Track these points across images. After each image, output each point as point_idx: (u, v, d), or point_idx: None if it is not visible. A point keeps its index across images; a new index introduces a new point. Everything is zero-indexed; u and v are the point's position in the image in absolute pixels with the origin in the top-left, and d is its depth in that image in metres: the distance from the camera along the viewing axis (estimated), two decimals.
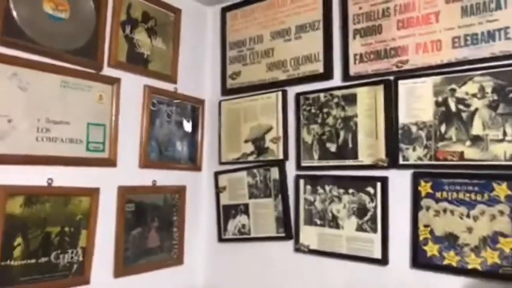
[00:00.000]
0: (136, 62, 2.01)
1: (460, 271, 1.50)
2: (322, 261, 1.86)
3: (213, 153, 2.32)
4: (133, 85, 1.99)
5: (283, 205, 2.00)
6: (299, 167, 1.96)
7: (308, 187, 1.92)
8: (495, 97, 1.47)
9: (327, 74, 1.90)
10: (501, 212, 1.44)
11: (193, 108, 2.29)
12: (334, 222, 1.83)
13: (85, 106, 1.78)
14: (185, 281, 2.20)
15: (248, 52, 2.21)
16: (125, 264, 1.92)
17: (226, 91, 2.30)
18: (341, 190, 1.82)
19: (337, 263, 1.81)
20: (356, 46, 1.82)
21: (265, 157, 2.09)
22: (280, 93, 2.06)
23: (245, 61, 2.22)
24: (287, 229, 1.98)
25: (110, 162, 1.86)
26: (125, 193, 1.92)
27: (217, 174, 2.29)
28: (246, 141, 2.17)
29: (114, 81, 1.88)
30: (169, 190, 2.14)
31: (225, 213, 2.23)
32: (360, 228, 1.75)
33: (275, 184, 2.03)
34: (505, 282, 1.41)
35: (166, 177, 2.12)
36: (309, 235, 1.90)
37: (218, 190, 2.27)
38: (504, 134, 1.44)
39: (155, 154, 2.08)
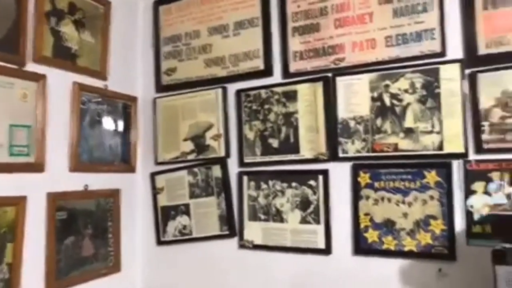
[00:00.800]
0: (63, 57, 1.85)
1: (398, 253, 1.61)
2: (267, 256, 1.88)
3: (148, 153, 2.22)
4: (60, 82, 1.83)
5: (226, 202, 1.98)
6: (241, 163, 1.96)
7: (252, 183, 1.93)
8: (424, 93, 1.61)
9: (268, 71, 1.92)
10: (432, 197, 1.58)
11: (125, 106, 2.17)
12: (278, 216, 1.86)
13: (6, 106, 1.59)
14: None
15: (184, 47, 2.15)
16: (58, 277, 1.76)
17: (161, 87, 2.21)
18: (284, 185, 1.85)
19: (282, 256, 1.85)
20: (295, 43, 1.86)
21: (206, 155, 2.05)
22: (220, 90, 2.03)
23: (181, 57, 2.16)
24: (231, 227, 1.97)
25: (37, 166, 1.69)
26: (55, 200, 1.76)
27: (153, 174, 2.20)
28: (185, 140, 2.12)
29: (39, 78, 1.71)
30: (103, 194, 2.01)
31: (163, 215, 2.15)
32: (304, 221, 1.80)
33: (217, 182, 2.01)
34: (437, 260, 1.55)
35: (99, 181, 1.98)
36: (254, 230, 1.91)
37: (155, 192, 2.18)
38: (432, 126, 1.58)
39: (86, 156, 1.94)
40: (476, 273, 1.47)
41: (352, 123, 1.73)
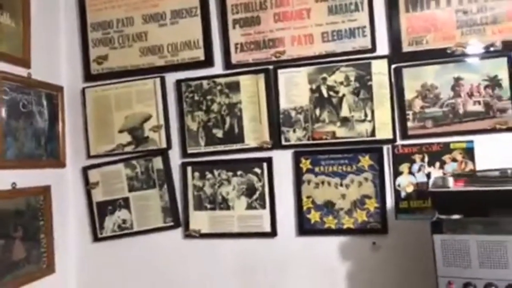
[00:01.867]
0: None
1: (338, 231, 1.78)
2: (214, 243, 1.93)
3: (78, 147, 2.10)
4: None
5: (169, 194, 1.97)
6: (185, 154, 1.96)
7: (196, 173, 1.95)
8: (357, 85, 1.78)
9: (208, 61, 1.94)
10: (366, 179, 1.76)
11: (50, 96, 2.01)
12: (224, 204, 1.91)
13: None
14: None
15: (116, 35, 2.06)
16: None
17: (90, 76, 2.09)
18: (230, 173, 1.91)
19: (229, 242, 1.91)
20: (236, 35, 1.90)
21: (145, 147, 2.01)
22: (158, 80, 2.00)
23: (113, 44, 2.06)
24: (175, 218, 1.97)
25: None
26: None
27: (85, 169, 2.09)
28: (120, 131, 2.04)
29: None
30: (32, 192, 1.87)
31: (100, 210, 2.07)
32: (250, 207, 1.89)
33: (159, 174, 1.99)
34: (371, 234, 1.75)
35: (27, 178, 1.83)
36: (200, 220, 1.94)
37: (89, 187, 2.08)
38: (365, 115, 1.77)
39: (12, 152, 1.77)
40: (404, 243, 1.70)
41: (293, 113, 1.84)
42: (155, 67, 2.01)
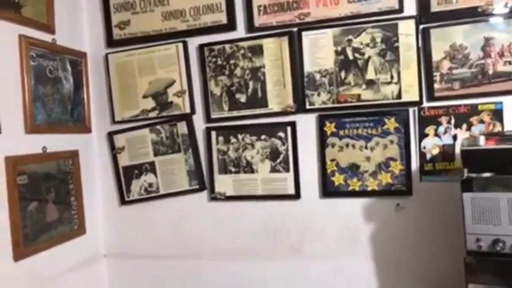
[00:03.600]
0: (6, 5, 1.66)
1: (362, 193, 1.80)
2: (239, 206, 1.97)
3: (103, 112, 2.13)
4: (5, 35, 1.66)
5: (194, 158, 2.01)
6: (208, 119, 1.97)
7: (221, 138, 1.97)
8: (384, 47, 1.75)
9: (231, 25, 1.92)
10: (391, 142, 1.77)
11: (74, 62, 2.03)
12: (248, 168, 1.94)
13: None
14: (89, 251, 2.05)
15: None
16: (26, 244, 1.68)
17: (113, 42, 2.10)
18: (254, 138, 1.92)
19: (253, 204, 1.95)
20: None
21: (169, 112, 2.03)
22: (180, 45, 1.99)
23: (134, 9, 2.05)
24: (201, 181, 2.01)
25: None
26: (15, 164, 1.65)
27: (111, 134, 2.12)
28: (144, 97, 2.06)
29: None
30: (61, 156, 1.91)
31: (126, 175, 2.11)
32: (274, 170, 1.91)
33: (184, 139, 2.01)
34: (396, 196, 1.77)
35: (56, 142, 1.88)
36: (225, 183, 1.98)
37: (115, 151, 2.12)
38: (391, 77, 1.75)
39: (42, 117, 1.81)
40: (428, 204, 1.72)
41: (317, 76, 1.83)
42: (177, 31, 2.00)
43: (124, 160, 2.11)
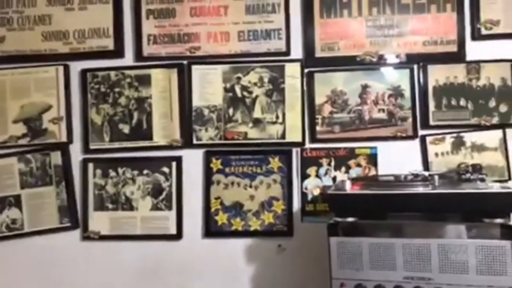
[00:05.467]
0: None
1: (244, 233, 1.75)
2: (116, 246, 1.80)
3: None
4: None
5: (68, 192, 1.82)
6: (87, 150, 1.82)
7: (98, 171, 1.81)
8: (271, 87, 1.77)
9: (118, 52, 1.82)
10: (275, 181, 1.76)
11: None
12: (128, 204, 1.80)
13: None
14: None
15: (15, 15, 1.87)
16: None
17: None
18: (135, 172, 1.80)
19: (131, 244, 1.80)
20: (149, 26, 1.81)
21: (42, 140, 1.84)
22: (61, 68, 1.84)
23: (11, 25, 1.87)
24: (73, 218, 1.82)
25: None
26: None
27: None
28: (15, 122, 1.85)
29: None
30: None
31: None
32: (155, 208, 1.79)
33: (57, 170, 1.82)
34: (277, 237, 1.74)
35: None
36: (100, 221, 1.81)
37: None
38: (277, 117, 1.76)
39: None
40: (308, 246, 1.71)
41: (206, 111, 1.79)
42: (59, 54, 1.85)
43: None
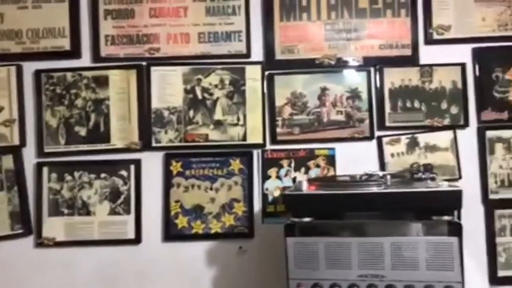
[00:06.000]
0: None
1: (205, 236, 1.74)
2: (72, 252, 1.75)
3: None
4: None
5: (20, 197, 1.75)
6: (41, 153, 1.75)
7: (53, 175, 1.76)
8: (232, 89, 1.77)
9: (75, 52, 1.78)
10: (236, 183, 1.75)
11: None
12: (84, 209, 1.75)
13: None
14: None
15: None
16: None
17: None
18: (92, 176, 1.76)
19: (88, 250, 1.75)
20: (107, 27, 1.78)
21: None
22: (13, 68, 1.77)
23: None
24: (26, 225, 1.75)
25: None
26: None
27: None
28: None
29: None
30: None
31: None
32: (113, 212, 1.75)
33: (9, 175, 1.75)
34: (238, 239, 1.74)
35: None
36: (55, 227, 1.75)
37: None
38: (238, 119, 1.76)
39: None
40: (269, 247, 1.71)
41: (166, 113, 1.76)
42: (11, 53, 1.78)
43: None
